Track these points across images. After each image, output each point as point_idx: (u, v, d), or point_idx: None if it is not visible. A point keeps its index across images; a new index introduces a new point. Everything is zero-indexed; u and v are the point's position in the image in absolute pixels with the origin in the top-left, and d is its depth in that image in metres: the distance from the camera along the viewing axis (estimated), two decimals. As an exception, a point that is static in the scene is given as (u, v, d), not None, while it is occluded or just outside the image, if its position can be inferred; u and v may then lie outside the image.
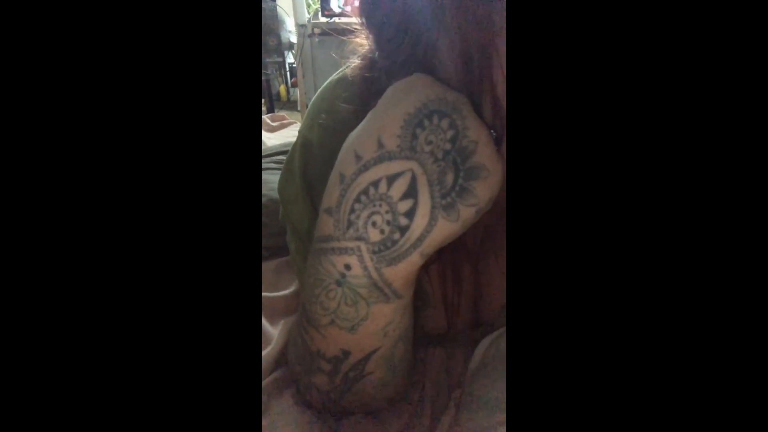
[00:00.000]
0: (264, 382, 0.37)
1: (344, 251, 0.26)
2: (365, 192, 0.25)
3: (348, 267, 0.26)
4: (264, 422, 0.34)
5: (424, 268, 0.29)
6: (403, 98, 0.25)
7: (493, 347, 0.35)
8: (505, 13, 0.21)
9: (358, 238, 0.25)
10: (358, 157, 0.25)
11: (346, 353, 0.28)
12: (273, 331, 0.43)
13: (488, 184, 0.24)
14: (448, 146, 0.24)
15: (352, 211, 0.25)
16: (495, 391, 0.31)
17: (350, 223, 0.25)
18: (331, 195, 0.26)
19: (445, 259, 0.32)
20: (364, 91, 0.31)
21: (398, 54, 0.27)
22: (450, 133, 0.24)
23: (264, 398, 0.35)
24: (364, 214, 0.25)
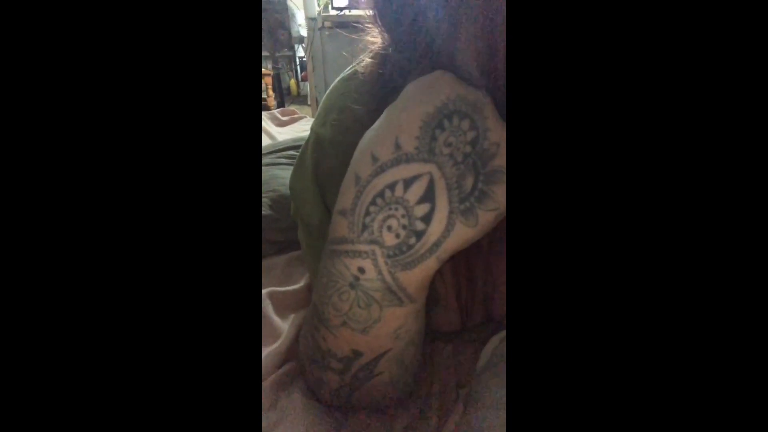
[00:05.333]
0: (273, 376, 0.37)
1: (358, 254, 0.25)
2: (381, 195, 0.25)
3: (362, 270, 0.26)
4: (273, 416, 0.34)
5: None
6: (423, 97, 0.24)
7: (502, 345, 0.35)
8: None
9: (373, 242, 0.25)
10: (374, 159, 0.25)
11: (357, 353, 0.28)
12: (283, 325, 0.43)
13: None
14: (468, 149, 0.23)
15: (368, 213, 0.25)
16: (502, 389, 0.31)
17: (365, 227, 0.25)
18: (345, 196, 0.26)
19: (459, 258, 0.32)
20: (376, 90, 0.30)
21: (413, 50, 0.26)
22: (471, 135, 0.23)
23: (273, 392, 0.36)
24: (380, 217, 0.25)
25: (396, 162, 0.24)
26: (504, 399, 0.30)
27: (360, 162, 0.25)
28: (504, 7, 0.22)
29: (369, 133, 0.26)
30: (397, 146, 0.24)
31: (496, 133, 0.23)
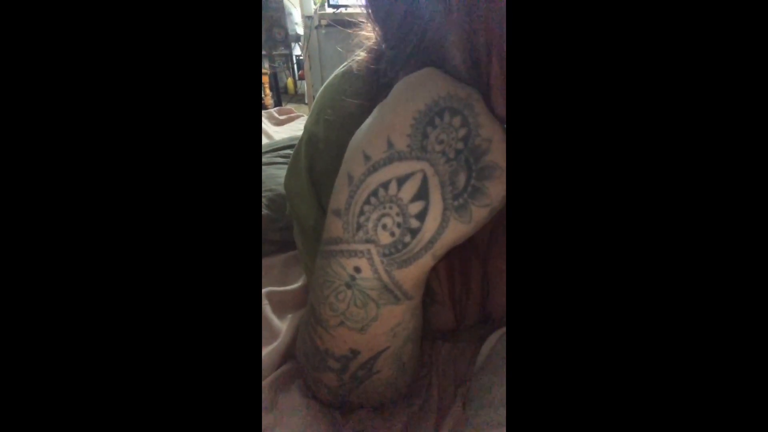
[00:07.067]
0: (272, 376, 0.37)
1: (354, 254, 0.25)
2: (375, 194, 0.25)
3: (358, 270, 0.26)
4: (271, 416, 0.34)
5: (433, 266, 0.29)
6: (413, 94, 0.24)
7: (500, 343, 0.35)
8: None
9: (368, 241, 0.25)
10: (366, 158, 0.25)
11: (355, 352, 0.28)
12: (281, 325, 0.43)
13: (502, 183, 0.23)
14: (460, 145, 0.23)
15: (362, 213, 0.25)
16: (501, 387, 0.31)
17: (360, 226, 0.25)
18: (339, 196, 0.26)
19: (453, 256, 0.32)
20: (371, 85, 0.30)
21: (405, 45, 0.26)
22: (462, 132, 0.23)
23: (271, 392, 0.36)
24: (374, 216, 0.25)
25: (389, 160, 0.24)
26: (503, 397, 0.30)
27: (352, 161, 0.25)
28: None
29: (360, 132, 0.26)
30: (390, 144, 0.24)
31: (488, 129, 0.23)
